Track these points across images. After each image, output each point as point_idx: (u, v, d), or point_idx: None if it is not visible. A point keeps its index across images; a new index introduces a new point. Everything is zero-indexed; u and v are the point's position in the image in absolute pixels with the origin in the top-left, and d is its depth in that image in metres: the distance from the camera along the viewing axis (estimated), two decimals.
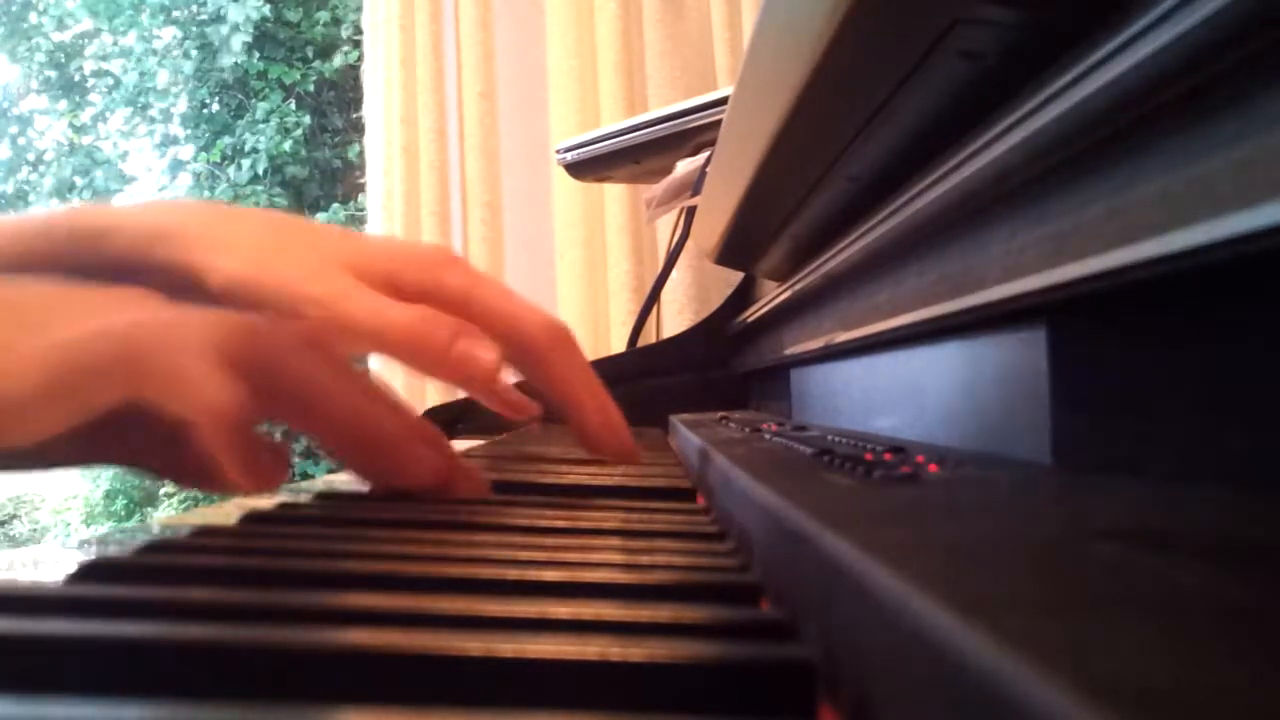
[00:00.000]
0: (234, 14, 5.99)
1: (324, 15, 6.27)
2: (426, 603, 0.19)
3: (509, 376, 0.41)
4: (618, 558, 0.25)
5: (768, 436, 0.48)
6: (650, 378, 1.05)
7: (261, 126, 6.17)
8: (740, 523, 0.28)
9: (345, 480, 0.44)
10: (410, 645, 0.16)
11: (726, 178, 0.63)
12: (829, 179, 0.47)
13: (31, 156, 6.83)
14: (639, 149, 1.13)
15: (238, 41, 6.04)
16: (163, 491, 5.99)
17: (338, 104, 6.38)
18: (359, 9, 5.93)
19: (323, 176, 6.39)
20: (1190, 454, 0.23)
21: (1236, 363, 0.22)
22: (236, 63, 6.16)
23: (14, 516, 6.25)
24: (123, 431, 0.32)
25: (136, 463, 0.36)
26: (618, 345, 1.46)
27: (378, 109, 1.84)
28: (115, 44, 6.69)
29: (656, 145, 1.12)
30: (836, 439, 0.42)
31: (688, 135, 1.09)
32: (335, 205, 6.11)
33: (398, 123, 1.77)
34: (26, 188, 6.78)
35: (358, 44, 5.62)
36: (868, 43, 0.33)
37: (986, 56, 0.31)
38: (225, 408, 0.30)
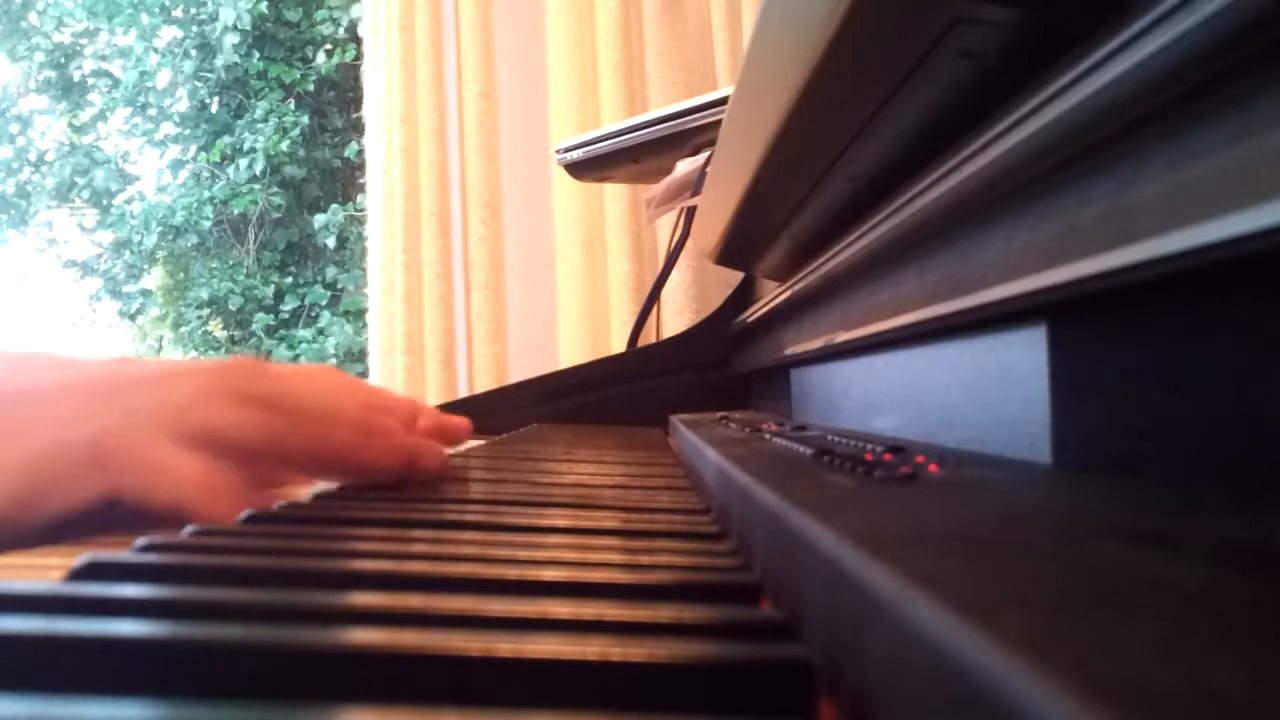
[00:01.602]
0: (226, 15, 5.98)
1: (323, 14, 6.27)
2: (426, 602, 0.19)
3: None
4: (618, 558, 0.25)
5: (768, 436, 0.48)
6: (650, 378, 1.05)
7: (260, 126, 6.17)
8: (740, 523, 0.28)
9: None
10: (410, 645, 0.16)
11: (726, 178, 0.63)
12: (829, 179, 0.47)
13: (32, 156, 6.83)
14: (639, 149, 1.13)
15: (228, 41, 6.03)
16: None
17: (337, 103, 6.38)
18: (347, 6, 5.93)
19: (322, 176, 6.39)
20: (1190, 454, 0.23)
21: (1236, 363, 0.22)
22: (236, 62, 6.16)
23: None
24: (94, 519, 0.33)
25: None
26: (618, 345, 1.46)
27: (378, 109, 1.84)
28: (114, 44, 6.69)
29: (656, 145, 1.12)
30: (836, 439, 0.42)
31: (688, 135, 1.09)
32: (334, 205, 6.11)
33: (398, 123, 1.76)
34: (28, 188, 6.77)
35: (353, 39, 5.62)
36: (867, 43, 0.33)
37: (986, 56, 0.31)
38: (205, 484, 0.33)
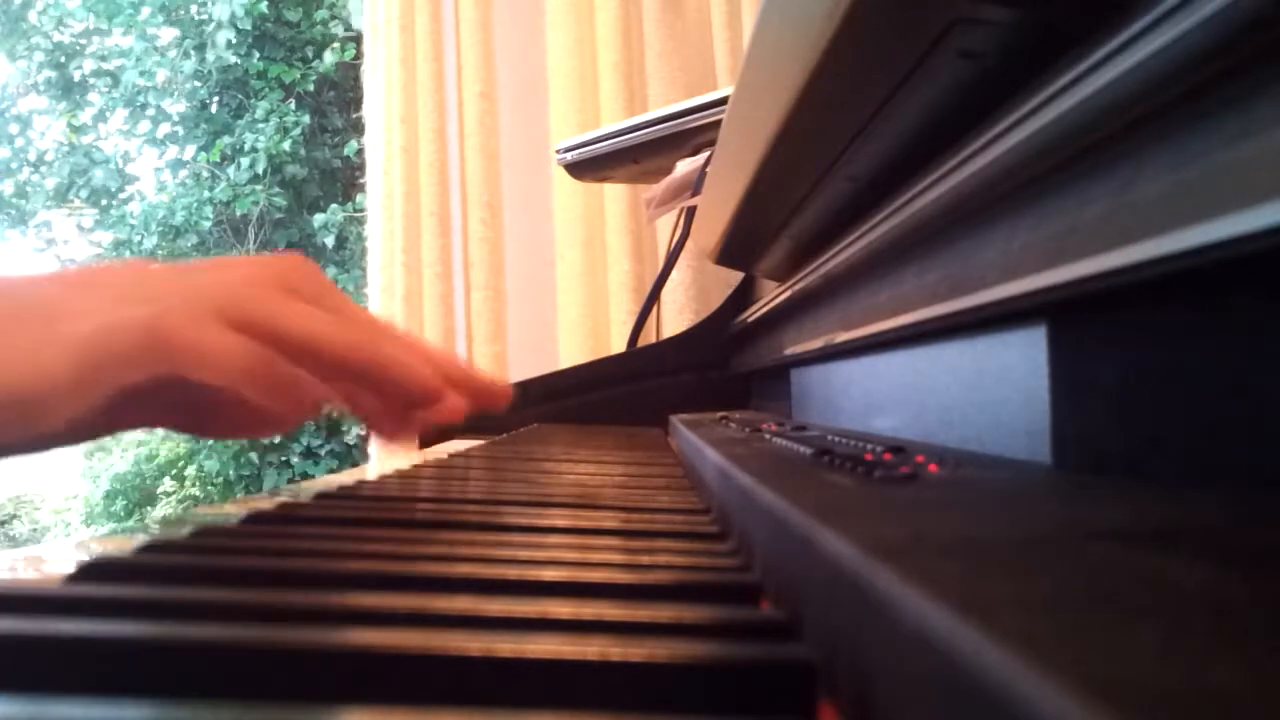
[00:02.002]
0: (220, 11, 5.98)
1: (323, 14, 6.27)
2: (427, 602, 0.19)
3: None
4: (618, 558, 0.25)
5: (768, 436, 0.48)
6: (650, 378, 1.05)
7: (261, 126, 6.17)
8: (740, 523, 0.28)
9: (345, 480, 0.44)
10: (410, 645, 0.16)
11: (726, 178, 0.63)
12: (829, 179, 0.47)
13: (31, 156, 6.83)
14: (639, 149, 1.13)
15: (222, 38, 6.03)
16: (161, 490, 6.00)
17: (337, 103, 6.38)
18: (345, 5, 5.92)
19: (322, 176, 6.39)
20: (1190, 454, 0.23)
21: (1236, 362, 0.22)
22: (235, 61, 6.16)
23: (14, 516, 6.24)
24: (145, 400, 0.34)
25: (160, 424, 0.38)
26: (618, 345, 1.46)
27: (378, 109, 1.84)
28: (115, 45, 6.68)
29: (656, 145, 1.12)
30: (836, 439, 0.42)
31: (688, 135, 1.09)
32: (334, 205, 6.11)
33: (398, 122, 1.77)
34: (27, 188, 6.77)
35: (353, 40, 5.61)
36: (868, 43, 0.33)
37: (986, 56, 0.31)
38: (254, 364, 0.34)
